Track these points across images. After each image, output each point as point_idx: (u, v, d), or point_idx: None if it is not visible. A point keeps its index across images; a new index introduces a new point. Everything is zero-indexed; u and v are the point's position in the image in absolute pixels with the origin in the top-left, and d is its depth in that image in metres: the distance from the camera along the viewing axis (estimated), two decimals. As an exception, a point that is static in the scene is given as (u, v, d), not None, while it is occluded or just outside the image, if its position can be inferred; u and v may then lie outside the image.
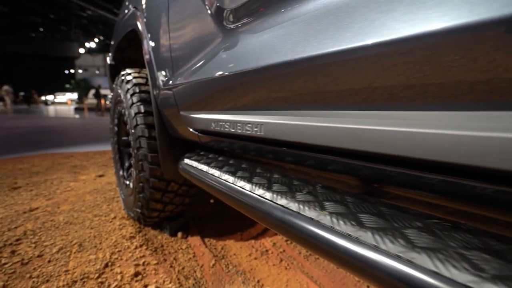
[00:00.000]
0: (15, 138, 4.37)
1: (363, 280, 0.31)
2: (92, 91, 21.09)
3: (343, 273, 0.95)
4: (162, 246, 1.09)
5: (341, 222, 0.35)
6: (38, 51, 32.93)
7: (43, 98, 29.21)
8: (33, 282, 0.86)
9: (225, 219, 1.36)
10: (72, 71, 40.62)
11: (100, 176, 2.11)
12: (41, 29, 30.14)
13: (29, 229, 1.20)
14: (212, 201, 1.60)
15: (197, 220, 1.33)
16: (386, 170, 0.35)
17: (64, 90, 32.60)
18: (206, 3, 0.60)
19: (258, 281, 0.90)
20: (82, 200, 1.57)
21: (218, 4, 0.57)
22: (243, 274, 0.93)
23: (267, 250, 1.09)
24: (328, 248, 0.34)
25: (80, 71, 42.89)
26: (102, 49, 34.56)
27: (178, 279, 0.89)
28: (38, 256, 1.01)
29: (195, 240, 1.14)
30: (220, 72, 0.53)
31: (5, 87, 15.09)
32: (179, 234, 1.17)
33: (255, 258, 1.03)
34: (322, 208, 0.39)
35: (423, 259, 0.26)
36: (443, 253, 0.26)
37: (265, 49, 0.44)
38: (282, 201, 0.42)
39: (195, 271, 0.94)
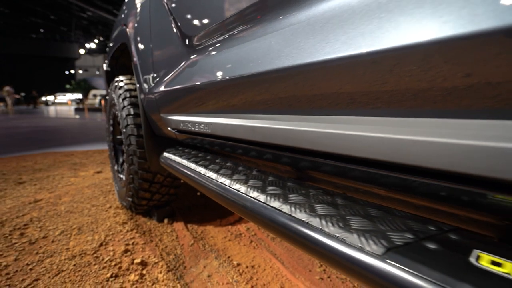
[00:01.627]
0: (18, 137, 4.54)
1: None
2: (92, 92, 21.24)
3: (299, 251, 1.11)
4: (150, 230, 1.26)
5: (254, 192, 0.51)
6: (39, 52, 33.20)
7: (43, 98, 29.44)
8: (40, 256, 1.03)
9: (208, 209, 1.52)
10: (72, 71, 40.88)
11: (98, 172, 2.28)
12: (42, 30, 30.36)
13: (35, 217, 1.37)
14: (198, 194, 1.77)
15: (183, 210, 1.50)
16: (297, 157, 0.51)
17: (65, 90, 32.81)
18: (175, 30, 0.76)
19: (229, 257, 1.06)
20: (81, 193, 1.74)
21: (183, 32, 0.73)
22: (217, 251, 1.10)
23: (240, 234, 1.25)
24: (251, 213, 0.50)
25: (80, 71, 43.15)
26: (102, 49, 34.78)
27: (161, 254, 1.06)
28: (43, 237, 1.17)
29: (179, 226, 1.31)
30: (183, 84, 0.70)
31: (7, 88, 15.27)
32: (166, 221, 1.33)
33: (229, 240, 1.20)
34: (246, 182, 0.56)
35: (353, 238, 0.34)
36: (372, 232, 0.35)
37: (210, 69, 0.61)
38: (222, 179, 0.59)
39: (176, 249, 1.10)
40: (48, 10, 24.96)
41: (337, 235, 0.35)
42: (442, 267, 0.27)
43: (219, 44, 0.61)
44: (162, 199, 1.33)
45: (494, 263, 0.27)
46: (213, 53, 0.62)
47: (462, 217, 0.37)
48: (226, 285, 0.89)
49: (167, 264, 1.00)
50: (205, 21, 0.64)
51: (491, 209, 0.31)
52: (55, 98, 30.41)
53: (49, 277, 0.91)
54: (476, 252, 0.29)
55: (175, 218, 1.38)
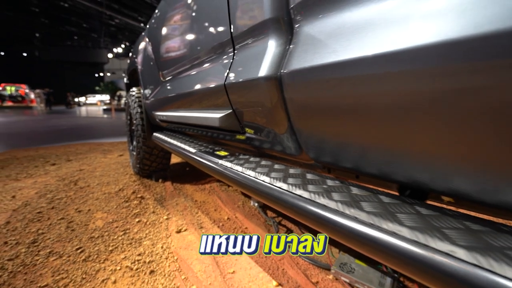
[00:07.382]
0: (61, 133, 5.62)
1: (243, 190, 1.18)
2: (118, 93, 23.00)
3: (236, 196, 1.79)
4: (150, 185, 2.01)
5: (190, 148, 1.21)
6: (73, 58, 36.62)
7: (76, 100, 32.39)
8: (86, 193, 1.81)
9: (191, 176, 2.25)
10: (101, 74, 44.28)
11: (121, 155, 3.11)
12: (76, 38, 33.39)
13: (81, 177, 2.19)
14: (187, 169, 2.50)
15: (174, 176, 2.24)
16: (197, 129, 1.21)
17: (94, 92, 35.67)
18: (155, 65, 1.49)
19: (192, 198, 1.78)
20: (109, 166, 2.55)
21: (158, 67, 1.46)
22: (186, 195, 1.82)
23: (204, 188, 1.96)
24: (204, 165, 1.20)
25: (108, 74, 46.52)
26: (128, 53, 37.36)
27: (153, 194, 1.80)
28: (87, 186, 1.97)
29: (168, 183, 2.04)
30: (159, 96, 1.42)
31: (37, 91, 16.66)
32: (160, 180, 2.08)
33: (196, 191, 1.91)
34: (189, 144, 1.26)
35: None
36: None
37: (168, 90, 1.32)
38: (181, 145, 1.30)
39: (162, 193, 1.84)
40: (81, 19, 27.51)
41: (215, 160, 1.04)
42: (214, 155, 0.96)
43: (171, 78, 1.32)
44: (158, 166, 2.07)
45: (221, 152, 0.95)
46: (169, 81, 1.34)
47: (228, 144, 1.05)
48: (184, 207, 1.61)
49: (155, 198, 1.73)
50: (166, 64, 1.36)
51: (236, 141, 0.98)
52: (86, 99, 33.28)
53: (92, 200, 1.68)
54: (220, 151, 0.97)
55: (167, 179, 2.12)
